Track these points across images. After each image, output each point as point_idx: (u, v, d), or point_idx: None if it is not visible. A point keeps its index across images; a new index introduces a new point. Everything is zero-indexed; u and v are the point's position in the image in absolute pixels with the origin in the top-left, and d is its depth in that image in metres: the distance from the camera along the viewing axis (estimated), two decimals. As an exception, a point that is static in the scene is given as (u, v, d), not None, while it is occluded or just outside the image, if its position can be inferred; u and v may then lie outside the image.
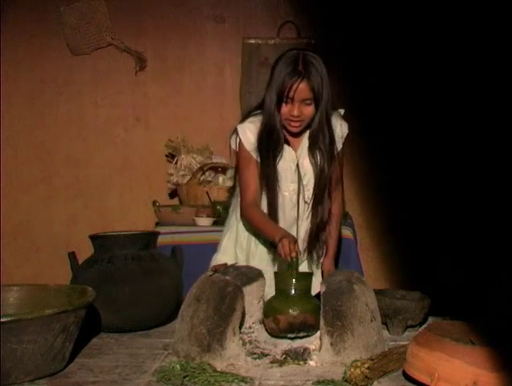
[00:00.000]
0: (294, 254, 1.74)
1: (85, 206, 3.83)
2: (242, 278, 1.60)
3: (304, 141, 2.13)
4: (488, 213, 3.50)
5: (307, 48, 2.44)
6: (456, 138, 3.56)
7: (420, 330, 1.62)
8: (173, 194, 3.66)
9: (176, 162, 3.48)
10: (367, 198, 3.71)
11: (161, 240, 2.09)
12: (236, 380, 1.35)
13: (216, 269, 1.64)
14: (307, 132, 2.12)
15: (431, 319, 1.78)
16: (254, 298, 1.63)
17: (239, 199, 2.14)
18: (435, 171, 3.60)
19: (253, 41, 3.67)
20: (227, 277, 1.57)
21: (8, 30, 3.74)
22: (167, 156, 3.69)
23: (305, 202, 2.12)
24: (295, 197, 2.12)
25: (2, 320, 1.28)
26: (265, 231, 2.03)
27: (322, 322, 1.50)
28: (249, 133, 2.09)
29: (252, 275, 1.66)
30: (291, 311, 1.54)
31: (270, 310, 1.58)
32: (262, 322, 1.62)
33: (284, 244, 1.79)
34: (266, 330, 1.61)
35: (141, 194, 3.77)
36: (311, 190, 2.11)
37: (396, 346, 1.51)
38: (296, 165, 2.11)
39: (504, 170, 3.45)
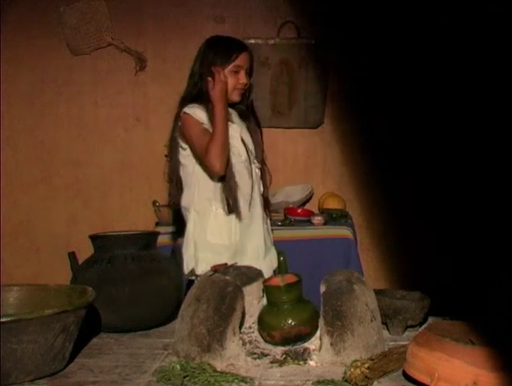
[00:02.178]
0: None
1: (85, 206, 3.83)
2: (242, 278, 1.60)
3: (234, 113, 2.33)
4: (488, 213, 3.50)
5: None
6: (456, 138, 3.56)
7: (420, 330, 1.61)
8: (173, 194, 3.66)
9: (176, 162, 3.47)
10: (367, 198, 3.71)
11: (161, 240, 2.09)
12: (236, 380, 1.35)
13: (216, 269, 1.64)
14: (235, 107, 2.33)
15: (431, 319, 1.78)
16: (254, 298, 1.63)
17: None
18: (435, 171, 3.61)
19: (253, 41, 3.66)
20: (227, 277, 1.57)
21: (8, 30, 3.74)
22: (166, 156, 3.68)
23: (257, 168, 2.36)
24: (248, 165, 2.30)
25: (2, 320, 1.28)
26: (222, 128, 2.16)
27: (322, 322, 1.50)
28: (198, 113, 2.22)
29: (252, 275, 1.66)
30: (283, 326, 1.51)
31: (263, 324, 1.56)
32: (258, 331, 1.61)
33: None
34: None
35: (141, 194, 3.77)
36: (257, 159, 2.36)
37: (396, 346, 1.51)
38: (240, 136, 2.30)
39: (504, 169, 3.45)
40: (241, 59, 2.27)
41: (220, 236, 2.25)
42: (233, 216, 2.26)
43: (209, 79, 2.25)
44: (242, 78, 2.28)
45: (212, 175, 2.24)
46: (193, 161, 2.28)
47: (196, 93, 2.28)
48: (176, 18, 3.74)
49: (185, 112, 2.24)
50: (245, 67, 2.29)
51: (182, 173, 2.33)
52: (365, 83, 3.63)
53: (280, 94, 3.69)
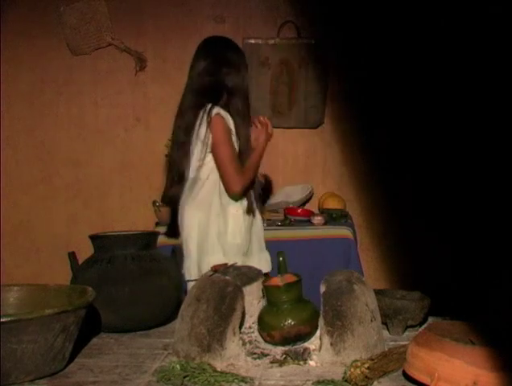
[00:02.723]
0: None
1: (85, 206, 3.83)
2: (242, 278, 1.60)
3: None
4: (488, 213, 3.50)
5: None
6: (456, 138, 3.56)
7: (420, 330, 1.61)
8: (173, 194, 3.66)
9: (176, 162, 3.48)
10: (367, 198, 3.71)
11: (161, 240, 2.09)
12: (236, 380, 1.35)
13: (216, 269, 1.64)
14: None
15: (431, 319, 1.78)
16: (254, 298, 1.63)
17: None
18: (435, 171, 3.61)
19: (253, 41, 3.67)
20: (227, 277, 1.57)
21: (8, 30, 3.74)
22: (166, 156, 3.69)
23: None
24: None
25: (2, 320, 1.28)
26: (257, 161, 2.45)
27: (322, 322, 1.50)
28: (227, 120, 2.35)
29: (252, 275, 1.66)
30: (283, 326, 1.51)
31: (263, 325, 1.56)
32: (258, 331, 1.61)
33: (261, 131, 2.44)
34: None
35: (141, 194, 3.77)
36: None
37: (396, 346, 1.51)
38: None
39: (504, 169, 3.45)
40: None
41: (240, 236, 2.37)
42: (246, 217, 2.40)
43: (254, 127, 2.46)
44: None
45: (227, 190, 2.35)
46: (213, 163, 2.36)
47: (214, 89, 2.38)
48: (176, 18, 3.74)
49: (219, 114, 2.32)
50: None
51: (198, 172, 2.37)
52: (365, 83, 3.63)
53: (280, 94, 3.69)
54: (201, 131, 2.34)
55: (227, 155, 2.31)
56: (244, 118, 2.38)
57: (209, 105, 2.34)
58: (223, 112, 2.34)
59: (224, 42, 2.51)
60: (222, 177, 2.34)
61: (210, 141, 2.32)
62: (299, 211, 3.37)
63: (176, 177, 2.42)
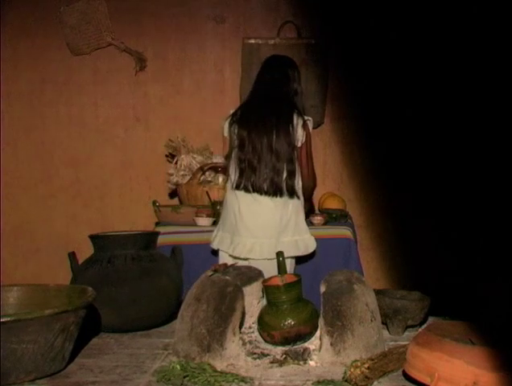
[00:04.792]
0: None
1: (85, 206, 3.83)
2: (242, 278, 1.60)
3: None
4: (488, 213, 3.50)
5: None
6: (457, 138, 3.56)
7: (420, 330, 1.62)
8: (173, 194, 3.66)
9: (176, 162, 3.48)
10: (367, 198, 3.71)
11: (161, 240, 2.09)
12: (236, 380, 1.35)
13: (216, 269, 1.64)
14: None
15: (431, 319, 1.78)
16: (254, 298, 1.63)
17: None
18: (434, 171, 3.61)
19: (253, 41, 3.67)
20: (227, 277, 1.57)
21: (8, 30, 3.74)
22: (167, 156, 3.69)
23: None
24: None
25: (2, 320, 1.28)
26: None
27: (322, 322, 1.50)
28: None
29: (252, 275, 1.66)
30: (283, 326, 1.51)
31: (263, 325, 1.56)
32: (258, 331, 1.61)
33: None
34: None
35: (141, 194, 3.77)
36: None
37: (396, 346, 1.51)
38: None
39: (503, 169, 3.45)
40: None
41: None
42: None
43: None
44: None
45: (308, 182, 2.80)
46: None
47: (291, 101, 2.79)
48: (176, 18, 3.74)
49: (310, 119, 2.78)
50: None
51: (294, 164, 2.72)
52: (365, 83, 3.63)
53: (280, 94, 3.69)
54: (298, 132, 2.70)
55: (312, 154, 2.81)
56: None
57: (297, 110, 2.73)
58: (310, 119, 2.79)
59: (290, 61, 2.90)
60: (308, 170, 2.77)
61: (303, 140, 2.72)
62: None
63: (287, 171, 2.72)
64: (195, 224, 3.12)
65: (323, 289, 1.55)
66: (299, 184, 2.74)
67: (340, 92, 3.72)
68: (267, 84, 2.79)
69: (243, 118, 2.74)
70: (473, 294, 3.17)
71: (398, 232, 3.65)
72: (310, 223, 3.23)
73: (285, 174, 2.69)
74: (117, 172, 3.82)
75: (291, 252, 2.68)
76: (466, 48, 3.50)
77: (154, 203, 3.32)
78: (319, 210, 3.52)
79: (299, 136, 2.71)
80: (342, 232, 3.14)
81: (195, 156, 3.45)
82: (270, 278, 1.65)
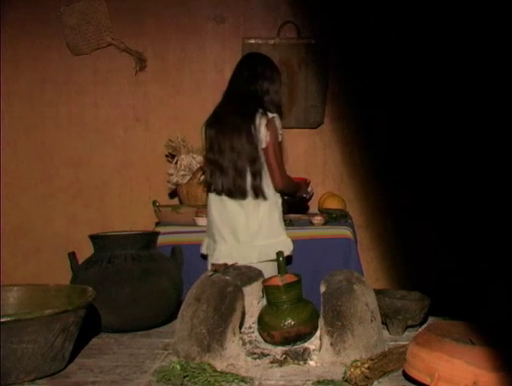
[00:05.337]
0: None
1: (85, 206, 3.83)
2: (242, 278, 1.60)
3: None
4: (488, 213, 3.50)
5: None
6: (457, 138, 3.56)
7: (420, 330, 1.62)
8: (173, 194, 3.66)
9: (176, 162, 3.48)
10: (367, 198, 3.71)
11: (161, 240, 2.09)
12: (236, 380, 1.35)
13: (216, 269, 1.64)
14: None
15: (431, 319, 1.78)
16: (254, 298, 1.63)
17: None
18: (435, 171, 3.61)
19: (253, 41, 3.67)
20: (227, 277, 1.57)
21: (8, 30, 3.74)
22: (167, 156, 3.69)
23: None
24: None
25: (2, 320, 1.28)
26: (296, 188, 2.95)
27: (322, 322, 1.50)
28: (279, 124, 2.70)
29: (252, 275, 1.66)
30: (283, 326, 1.51)
31: (263, 325, 1.56)
32: (258, 331, 1.61)
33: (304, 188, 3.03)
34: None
35: (141, 194, 3.77)
36: None
37: (396, 346, 1.51)
38: None
39: (503, 169, 3.45)
40: None
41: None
42: None
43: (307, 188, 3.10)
44: None
45: (274, 182, 2.69)
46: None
47: (258, 99, 2.70)
48: (176, 18, 3.74)
49: (275, 118, 2.67)
50: None
51: (257, 165, 2.66)
52: (365, 83, 3.63)
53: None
54: (261, 131, 2.63)
55: (280, 154, 2.69)
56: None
57: (261, 110, 2.65)
58: (274, 115, 2.67)
59: (262, 58, 2.83)
60: (272, 171, 2.67)
61: (267, 140, 2.64)
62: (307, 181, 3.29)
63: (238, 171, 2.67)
64: (195, 224, 3.12)
65: (323, 289, 1.55)
66: (269, 185, 2.69)
67: (340, 92, 3.72)
68: (237, 83, 2.75)
69: (212, 119, 2.75)
70: (473, 294, 3.17)
71: (398, 232, 3.65)
72: (310, 223, 3.24)
73: (249, 176, 2.65)
74: (117, 172, 3.82)
75: (265, 256, 2.62)
76: (466, 48, 3.50)
77: (154, 203, 3.32)
78: (319, 210, 3.52)
79: (263, 136, 2.64)
80: (342, 232, 3.14)
81: (195, 156, 3.45)
82: (270, 278, 1.65)
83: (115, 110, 3.82)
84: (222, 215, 2.71)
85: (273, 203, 2.71)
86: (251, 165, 2.64)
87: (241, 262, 2.53)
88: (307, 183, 3.15)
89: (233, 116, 2.68)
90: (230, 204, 2.68)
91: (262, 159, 2.66)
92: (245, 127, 2.64)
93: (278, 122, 2.67)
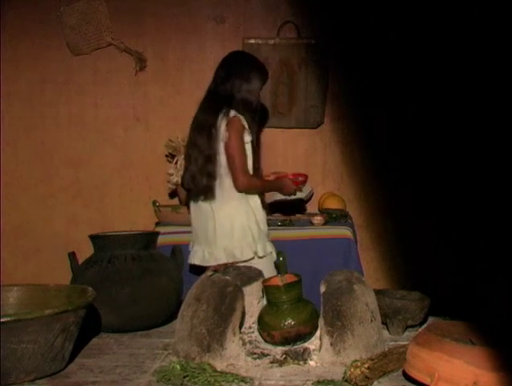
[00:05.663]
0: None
1: (85, 206, 3.83)
2: (242, 278, 1.60)
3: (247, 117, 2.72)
4: (488, 213, 3.50)
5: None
6: (457, 138, 3.56)
7: (420, 330, 1.62)
8: (173, 194, 3.66)
9: (176, 162, 3.48)
10: (367, 198, 3.71)
11: (161, 240, 2.09)
12: (236, 380, 1.35)
13: (216, 269, 1.64)
14: None
15: (431, 319, 1.78)
16: (254, 298, 1.63)
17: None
18: (434, 171, 3.61)
19: (253, 41, 3.67)
20: (227, 277, 1.57)
21: (8, 30, 3.74)
22: (167, 156, 3.69)
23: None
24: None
25: (2, 320, 1.28)
26: (270, 186, 2.89)
27: (322, 322, 1.50)
28: (244, 122, 2.63)
29: (252, 275, 1.66)
30: (283, 326, 1.51)
31: (263, 325, 1.56)
32: (258, 331, 1.61)
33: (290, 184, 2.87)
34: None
35: (141, 194, 3.77)
36: None
37: (396, 346, 1.51)
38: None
39: (503, 169, 3.45)
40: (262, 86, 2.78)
41: (263, 224, 2.72)
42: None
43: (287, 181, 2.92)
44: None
45: (234, 183, 2.63)
46: None
47: (228, 97, 2.66)
48: (176, 18, 3.74)
49: (237, 117, 2.62)
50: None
51: (212, 165, 2.65)
52: (365, 83, 3.63)
53: (280, 94, 3.69)
54: (221, 131, 2.61)
55: (240, 154, 2.61)
56: (252, 121, 2.68)
57: (225, 109, 2.63)
58: (241, 117, 2.63)
59: (241, 56, 2.84)
60: (232, 172, 2.62)
61: (226, 140, 2.61)
62: (290, 176, 3.09)
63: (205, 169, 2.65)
64: (195, 224, 3.12)
65: (323, 289, 1.55)
66: (230, 185, 2.65)
67: (340, 92, 3.72)
68: (214, 81, 2.76)
69: (194, 117, 2.80)
70: (473, 294, 3.17)
71: (398, 232, 3.65)
72: (310, 223, 3.24)
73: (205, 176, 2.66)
74: (117, 172, 3.82)
75: (232, 257, 2.61)
76: (466, 48, 3.50)
77: (154, 203, 3.32)
78: (319, 210, 3.52)
79: (222, 136, 2.62)
80: (342, 232, 3.15)
81: (195, 156, 3.45)
82: (270, 278, 1.65)
83: (115, 110, 3.82)
84: (197, 214, 2.74)
85: (240, 204, 2.65)
86: (206, 164, 2.64)
87: (212, 263, 2.61)
88: (299, 183, 3.00)
89: (201, 114, 2.71)
90: (202, 204, 2.69)
91: (222, 159, 2.63)
92: (207, 126, 2.65)
93: (241, 123, 2.62)
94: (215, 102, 2.68)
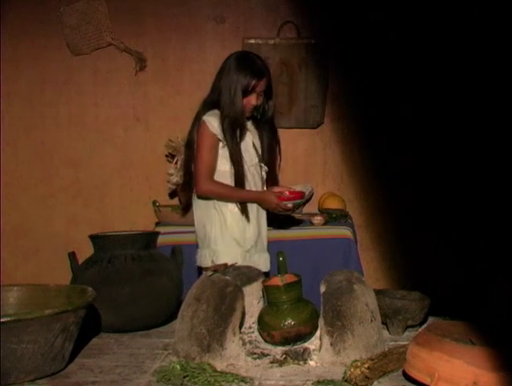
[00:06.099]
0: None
1: (85, 206, 3.83)
2: (242, 278, 1.60)
3: (249, 122, 2.64)
4: (488, 213, 3.50)
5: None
6: (457, 138, 3.56)
7: (420, 330, 1.62)
8: (173, 194, 3.66)
9: (176, 162, 3.48)
10: (367, 198, 3.71)
11: (161, 240, 2.09)
12: (236, 380, 1.35)
13: (216, 269, 1.64)
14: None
15: (431, 319, 1.78)
16: (254, 298, 1.63)
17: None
18: (435, 171, 3.61)
19: (253, 41, 3.66)
20: (227, 277, 1.57)
21: (8, 30, 3.74)
22: (167, 156, 3.69)
23: (265, 171, 2.67)
24: (258, 168, 2.64)
25: (2, 320, 1.28)
26: (240, 196, 2.54)
27: (322, 322, 1.50)
28: (213, 122, 2.51)
29: (252, 275, 1.66)
30: (283, 326, 1.51)
31: (263, 325, 1.56)
32: (258, 331, 1.61)
33: (271, 199, 2.54)
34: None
35: (141, 194, 3.77)
36: (265, 162, 2.66)
37: (396, 346, 1.51)
38: (252, 143, 2.63)
39: (503, 169, 3.45)
40: (258, 86, 2.54)
41: (238, 231, 2.56)
42: (252, 215, 2.58)
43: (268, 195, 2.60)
44: (254, 100, 2.54)
45: (196, 185, 2.54)
46: None
47: (217, 102, 2.55)
48: (176, 18, 3.74)
49: (203, 121, 2.53)
50: (260, 90, 2.55)
51: (187, 167, 2.61)
52: (365, 83, 3.63)
53: (280, 94, 3.68)
54: (193, 134, 2.59)
55: (202, 161, 2.51)
56: (230, 120, 2.50)
57: (202, 111, 2.57)
58: (211, 119, 2.51)
59: (232, 54, 2.66)
60: (195, 178, 2.54)
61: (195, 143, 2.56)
62: (287, 193, 2.69)
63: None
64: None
65: (323, 289, 1.55)
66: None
67: (340, 92, 3.72)
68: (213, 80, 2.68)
69: None
70: (473, 294, 3.16)
71: (398, 232, 3.65)
72: (310, 223, 3.24)
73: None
74: (117, 172, 3.82)
75: (204, 262, 2.58)
76: (466, 48, 3.50)
77: (154, 203, 3.32)
78: (319, 210, 3.52)
79: (194, 138, 2.58)
80: (342, 232, 3.15)
81: (195, 156, 3.45)
82: (271, 278, 1.65)
83: (115, 110, 3.81)
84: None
85: (208, 208, 2.57)
86: (185, 165, 2.64)
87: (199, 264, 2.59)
88: (285, 198, 2.60)
89: (191, 127, 2.66)
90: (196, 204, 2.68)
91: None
92: (191, 129, 2.63)
93: (210, 125, 2.50)
94: (203, 103, 2.62)
